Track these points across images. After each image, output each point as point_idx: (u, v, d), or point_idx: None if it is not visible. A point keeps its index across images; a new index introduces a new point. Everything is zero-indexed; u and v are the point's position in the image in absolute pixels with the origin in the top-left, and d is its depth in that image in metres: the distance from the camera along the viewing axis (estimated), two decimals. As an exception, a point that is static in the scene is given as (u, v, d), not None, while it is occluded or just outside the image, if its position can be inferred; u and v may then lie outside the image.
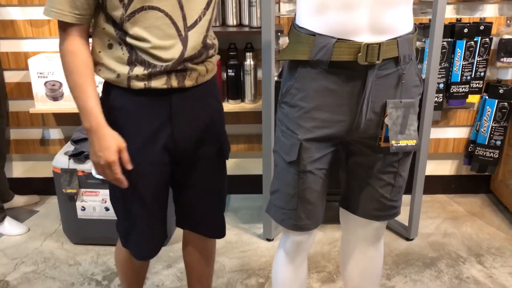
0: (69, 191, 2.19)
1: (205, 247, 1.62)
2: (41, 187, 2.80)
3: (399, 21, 1.20)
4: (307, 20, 1.20)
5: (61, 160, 2.19)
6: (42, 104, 2.41)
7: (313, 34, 1.18)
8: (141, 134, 1.28)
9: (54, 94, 2.38)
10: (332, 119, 1.24)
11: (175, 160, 1.37)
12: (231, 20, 2.36)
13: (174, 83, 1.23)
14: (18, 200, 2.72)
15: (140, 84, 1.22)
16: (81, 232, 2.32)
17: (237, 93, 2.47)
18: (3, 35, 2.47)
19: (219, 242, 2.37)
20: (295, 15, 1.26)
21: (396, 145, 1.26)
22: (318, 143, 1.26)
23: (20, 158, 2.80)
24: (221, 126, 1.44)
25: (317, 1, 1.16)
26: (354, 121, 1.24)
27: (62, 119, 2.65)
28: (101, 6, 1.18)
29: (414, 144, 1.27)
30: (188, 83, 1.26)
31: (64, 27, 1.19)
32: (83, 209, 2.24)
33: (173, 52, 1.20)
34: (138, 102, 1.25)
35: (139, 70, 1.20)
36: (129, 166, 1.25)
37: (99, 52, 1.24)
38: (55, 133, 2.72)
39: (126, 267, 1.58)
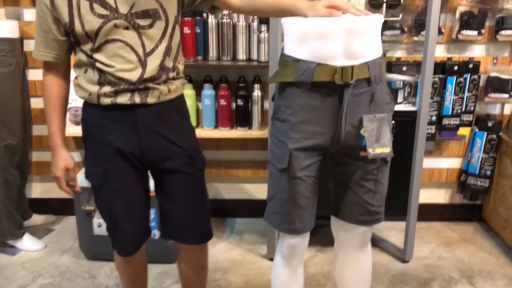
0: (87, 208, 2.37)
1: (192, 255, 1.77)
2: (58, 207, 2.97)
3: (369, 48, 1.43)
4: (292, 49, 1.44)
5: (81, 179, 2.36)
6: (65, 128, 2.61)
7: (297, 60, 1.42)
8: (111, 144, 1.51)
9: (77, 119, 2.58)
10: (316, 131, 1.45)
11: (147, 168, 1.61)
12: (242, 55, 2.58)
13: (137, 99, 1.47)
14: (36, 219, 2.88)
15: (107, 100, 1.47)
16: (96, 247, 2.47)
17: (245, 121, 2.67)
18: (32, 65, 2.71)
19: (224, 261, 2.53)
20: (283, 45, 1.50)
21: (373, 152, 1.46)
22: (305, 152, 1.47)
23: (39, 179, 2.98)
24: (189, 139, 1.62)
25: (299, 33, 1.41)
26: (335, 133, 1.45)
27: (81, 142, 2.84)
28: (75, 43, 1.46)
29: (388, 151, 1.48)
30: (151, 100, 1.48)
31: (45, 65, 1.53)
32: (99, 225, 2.40)
33: (134, 74, 1.44)
34: (107, 116, 1.50)
35: (106, 89, 1.46)
36: (75, 184, 1.66)
37: (77, 76, 1.52)
38: (74, 156, 2.89)
39: (122, 269, 1.78)
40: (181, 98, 1.61)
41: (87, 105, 1.55)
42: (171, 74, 1.52)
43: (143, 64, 1.45)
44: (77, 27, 1.41)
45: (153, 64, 1.46)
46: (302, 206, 1.53)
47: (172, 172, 1.59)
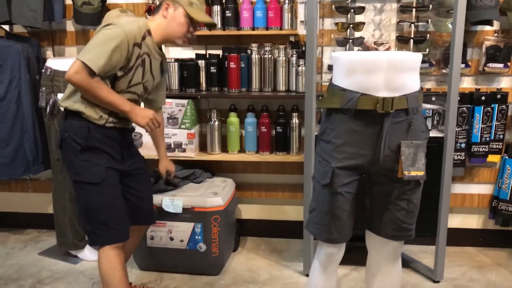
0: (142, 222, 2.64)
1: (141, 232, 2.39)
2: (114, 223, 3.28)
3: (407, 83, 1.64)
4: (340, 80, 1.67)
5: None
6: (124, 151, 2.94)
7: (344, 89, 1.65)
8: (109, 153, 2.02)
9: (135, 143, 2.90)
10: (357, 152, 1.66)
11: (125, 171, 2.13)
12: (281, 86, 2.85)
13: (126, 125, 2.10)
14: (95, 233, 3.20)
15: (110, 125, 2.01)
16: (148, 258, 2.74)
17: (284, 147, 2.92)
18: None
19: (263, 275, 2.73)
20: (332, 76, 1.74)
21: (408, 175, 1.66)
22: (346, 171, 1.68)
23: (99, 197, 3.31)
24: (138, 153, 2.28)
25: (347, 67, 1.64)
26: (374, 155, 1.66)
27: (137, 165, 3.17)
28: (115, 78, 1.96)
29: (422, 174, 1.67)
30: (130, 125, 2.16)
31: (90, 73, 1.85)
32: (152, 238, 2.68)
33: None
34: (107, 134, 2.01)
35: (113, 119, 2.02)
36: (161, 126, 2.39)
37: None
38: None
39: (117, 265, 2.07)
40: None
41: (90, 122, 1.97)
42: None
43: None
44: (136, 72, 2.00)
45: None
46: (341, 219, 1.73)
47: (136, 173, 2.20)
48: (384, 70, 1.59)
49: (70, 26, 3.07)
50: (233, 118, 2.92)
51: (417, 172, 1.65)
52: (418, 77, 1.69)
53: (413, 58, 1.64)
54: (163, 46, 2.29)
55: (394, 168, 1.67)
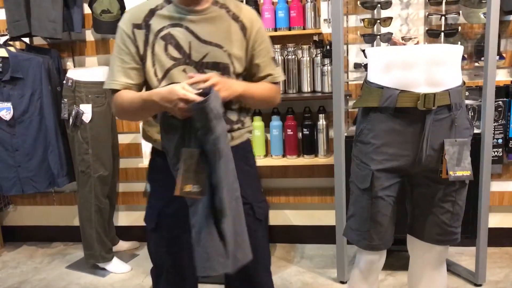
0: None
1: None
2: (141, 234, 3.23)
3: (449, 76, 1.54)
4: (376, 77, 1.58)
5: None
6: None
7: (381, 87, 1.55)
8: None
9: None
10: (398, 153, 1.56)
11: None
12: (306, 87, 2.76)
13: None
14: (122, 245, 3.16)
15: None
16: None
17: (312, 149, 2.83)
18: (119, 105, 3.06)
19: (296, 284, 2.65)
20: (366, 73, 1.64)
21: (453, 175, 1.55)
22: (387, 173, 1.58)
23: (125, 208, 3.28)
24: (252, 189, 1.58)
25: (384, 63, 1.55)
26: (416, 156, 1.56)
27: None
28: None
29: (468, 174, 1.56)
30: None
31: (114, 93, 1.48)
32: (180, 248, 2.60)
33: None
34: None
35: None
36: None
37: (145, 121, 1.56)
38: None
39: None
40: (245, 144, 1.59)
41: (153, 149, 1.58)
42: (235, 126, 1.53)
43: None
44: (148, 62, 1.45)
45: None
46: (382, 224, 1.63)
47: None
48: (424, 64, 1.49)
49: (89, 35, 3.04)
50: (258, 122, 2.84)
51: (463, 172, 1.55)
52: (460, 70, 1.58)
53: (455, 51, 1.54)
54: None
55: (438, 169, 1.57)
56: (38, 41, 3.03)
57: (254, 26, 1.52)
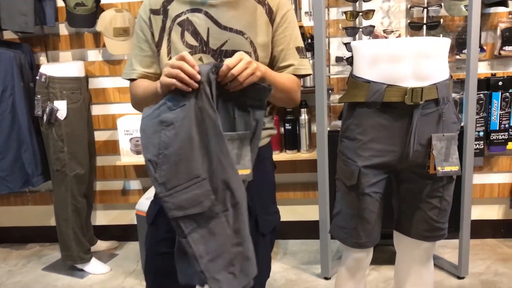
0: (150, 231, 2.51)
1: None
2: (120, 233, 3.16)
3: (437, 70, 1.51)
4: (363, 71, 1.53)
5: (145, 203, 2.54)
6: (127, 158, 2.81)
7: (368, 81, 1.51)
8: None
9: (137, 148, 2.78)
10: (385, 149, 1.53)
11: None
12: (288, 81, 2.72)
13: None
14: (101, 245, 3.07)
15: None
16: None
17: (294, 144, 2.79)
18: (96, 101, 2.95)
19: (280, 280, 2.61)
20: (352, 68, 1.60)
21: (442, 170, 1.52)
22: (374, 170, 1.54)
23: (103, 207, 3.18)
24: (261, 199, 1.47)
25: (370, 56, 1.50)
26: (403, 151, 1.52)
27: (142, 171, 3.04)
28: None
29: (457, 169, 1.54)
30: None
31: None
32: (161, 247, 2.54)
33: None
34: None
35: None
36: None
37: None
38: (135, 184, 3.10)
39: None
40: (264, 149, 1.47)
41: None
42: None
43: None
44: (163, 50, 1.38)
45: None
46: (369, 222, 1.60)
47: None
48: (412, 57, 1.46)
49: (63, 29, 2.92)
50: (239, 117, 2.78)
51: (452, 167, 1.52)
52: (447, 64, 1.55)
53: (442, 43, 1.51)
54: None
55: (425, 164, 1.54)
56: (8, 35, 2.91)
57: (281, 9, 1.40)
